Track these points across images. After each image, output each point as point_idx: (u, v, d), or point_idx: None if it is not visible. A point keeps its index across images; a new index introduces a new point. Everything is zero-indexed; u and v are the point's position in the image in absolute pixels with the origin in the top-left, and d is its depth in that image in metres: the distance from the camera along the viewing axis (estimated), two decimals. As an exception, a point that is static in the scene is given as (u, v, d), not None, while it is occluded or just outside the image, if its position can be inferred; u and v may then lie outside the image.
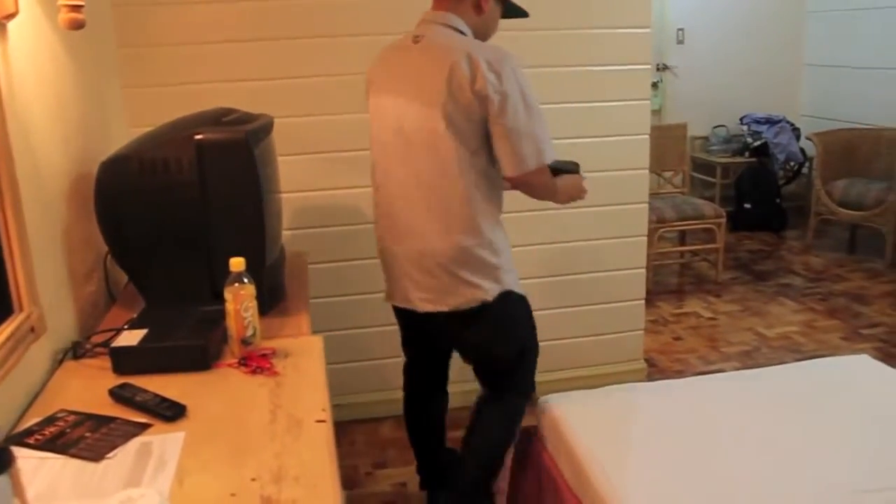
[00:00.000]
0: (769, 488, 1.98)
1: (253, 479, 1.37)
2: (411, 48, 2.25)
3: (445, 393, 2.77)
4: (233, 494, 1.32)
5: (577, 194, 2.39)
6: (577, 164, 2.43)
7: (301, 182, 3.09)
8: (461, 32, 2.23)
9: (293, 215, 3.11)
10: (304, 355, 1.89)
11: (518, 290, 2.35)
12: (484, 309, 2.26)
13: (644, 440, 2.22)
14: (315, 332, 2.05)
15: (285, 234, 3.01)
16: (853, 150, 5.92)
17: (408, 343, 2.68)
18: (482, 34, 2.29)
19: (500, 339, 2.38)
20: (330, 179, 3.14)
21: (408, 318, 2.49)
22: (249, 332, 1.87)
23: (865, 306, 4.73)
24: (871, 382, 2.58)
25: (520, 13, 2.40)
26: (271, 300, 2.19)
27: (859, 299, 4.85)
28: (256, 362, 1.83)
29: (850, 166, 5.89)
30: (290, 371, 1.81)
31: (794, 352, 4.07)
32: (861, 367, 2.72)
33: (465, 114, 2.14)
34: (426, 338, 2.59)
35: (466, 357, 2.51)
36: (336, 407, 3.30)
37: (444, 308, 2.28)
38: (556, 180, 2.29)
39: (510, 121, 2.12)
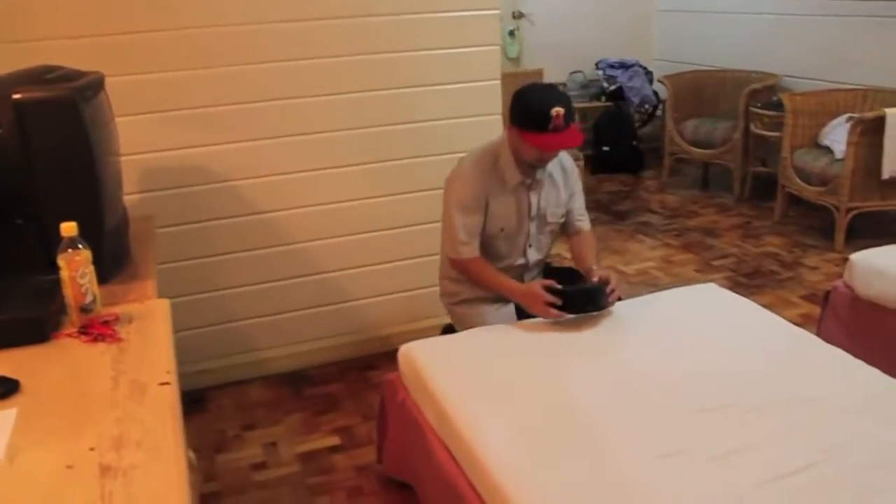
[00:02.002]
0: (621, 413, 2.06)
1: (91, 449, 1.32)
2: None
3: None
4: (69, 466, 1.27)
5: (533, 309, 2.58)
6: (587, 292, 2.56)
7: (144, 143, 2.95)
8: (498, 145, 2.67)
9: (139, 178, 2.98)
10: (149, 319, 1.83)
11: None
12: None
13: (504, 379, 2.25)
14: (172, 297, 1.99)
15: (132, 197, 2.91)
16: (701, 92, 6.17)
17: None
18: (513, 153, 2.61)
19: None
20: (176, 139, 3.01)
21: None
22: (88, 299, 1.79)
23: (716, 239, 4.97)
24: (717, 308, 2.71)
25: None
26: (115, 266, 2.11)
27: (711, 233, 5.09)
28: (97, 330, 1.76)
29: (699, 107, 6.13)
30: (134, 336, 1.75)
31: (652, 286, 4.23)
32: (708, 294, 2.85)
33: None
34: None
35: None
36: (201, 373, 3.28)
37: None
38: (516, 285, 2.64)
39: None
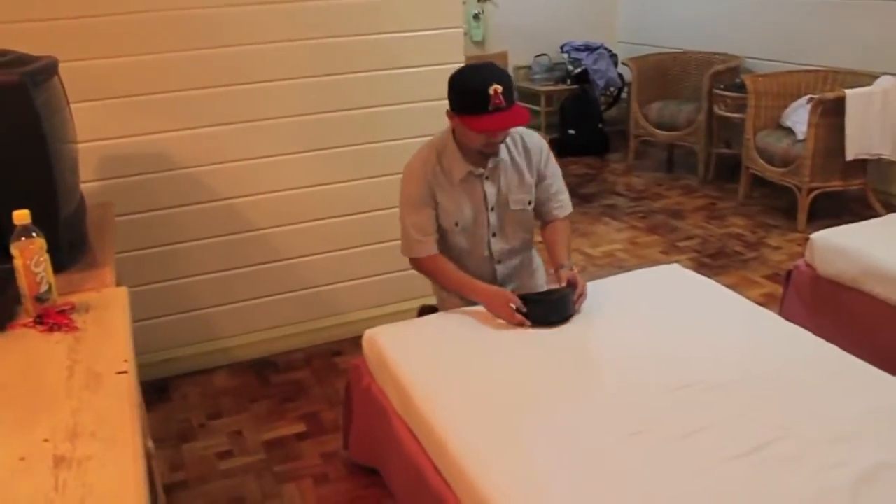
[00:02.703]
0: (584, 394, 2.07)
1: (45, 440, 1.30)
2: None
3: None
4: (22, 458, 1.25)
5: (497, 311, 2.46)
6: (552, 304, 2.47)
7: (103, 129, 2.89)
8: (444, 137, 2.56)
9: (98, 165, 2.93)
10: (107, 308, 1.81)
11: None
12: None
13: (468, 363, 2.25)
14: (136, 285, 1.96)
15: (91, 185, 2.87)
16: (665, 74, 6.19)
17: None
18: (458, 143, 2.51)
19: None
20: (135, 125, 2.96)
21: None
22: (44, 288, 1.76)
23: (681, 220, 5.00)
24: (680, 289, 2.72)
25: None
26: (72, 254, 2.08)
27: (676, 215, 5.12)
28: (53, 319, 1.74)
29: (663, 89, 6.16)
30: (91, 325, 1.73)
31: (618, 268, 4.25)
32: (672, 275, 2.87)
33: None
34: None
35: None
36: (166, 362, 3.25)
37: None
38: (481, 286, 2.52)
39: None
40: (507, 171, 2.57)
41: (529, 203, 2.65)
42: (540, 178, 2.65)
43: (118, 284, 2.00)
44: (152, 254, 3.14)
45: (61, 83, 2.20)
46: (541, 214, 2.72)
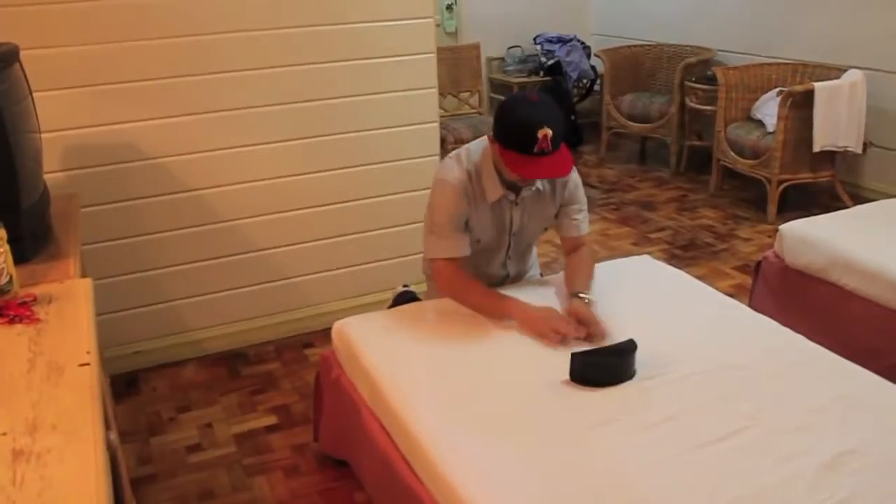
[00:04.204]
0: (553, 384, 2.07)
1: (3, 434, 1.27)
2: None
3: None
4: (-21, 452, 1.23)
5: (533, 326, 2.29)
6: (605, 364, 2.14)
7: (68, 119, 2.85)
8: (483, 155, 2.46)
9: (63, 155, 2.88)
10: (70, 299, 1.78)
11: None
12: None
13: (437, 354, 2.25)
14: (104, 277, 1.93)
15: (56, 175, 2.83)
16: (638, 66, 6.22)
17: None
18: (496, 168, 2.42)
19: None
20: (101, 114, 2.91)
21: None
22: (4, 280, 1.73)
23: (653, 212, 5.03)
24: (651, 281, 2.74)
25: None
26: (35, 245, 2.06)
27: (648, 206, 5.14)
28: (14, 311, 1.71)
29: (635, 81, 6.19)
30: (54, 317, 1.70)
31: (590, 260, 4.26)
32: (643, 267, 2.88)
33: None
34: None
35: None
36: (135, 354, 3.22)
37: None
38: (516, 304, 2.36)
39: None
40: (535, 201, 2.53)
41: (544, 230, 2.67)
42: (558, 205, 2.59)
43: (84, 276, 1.98)
44: (121, 245, 3.10)
45: (23, 71, 2.16)
46: (563, 237, 2.66)
